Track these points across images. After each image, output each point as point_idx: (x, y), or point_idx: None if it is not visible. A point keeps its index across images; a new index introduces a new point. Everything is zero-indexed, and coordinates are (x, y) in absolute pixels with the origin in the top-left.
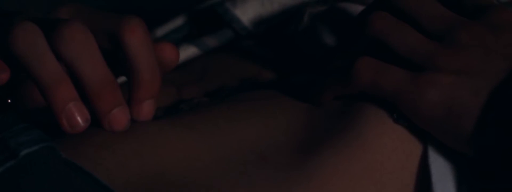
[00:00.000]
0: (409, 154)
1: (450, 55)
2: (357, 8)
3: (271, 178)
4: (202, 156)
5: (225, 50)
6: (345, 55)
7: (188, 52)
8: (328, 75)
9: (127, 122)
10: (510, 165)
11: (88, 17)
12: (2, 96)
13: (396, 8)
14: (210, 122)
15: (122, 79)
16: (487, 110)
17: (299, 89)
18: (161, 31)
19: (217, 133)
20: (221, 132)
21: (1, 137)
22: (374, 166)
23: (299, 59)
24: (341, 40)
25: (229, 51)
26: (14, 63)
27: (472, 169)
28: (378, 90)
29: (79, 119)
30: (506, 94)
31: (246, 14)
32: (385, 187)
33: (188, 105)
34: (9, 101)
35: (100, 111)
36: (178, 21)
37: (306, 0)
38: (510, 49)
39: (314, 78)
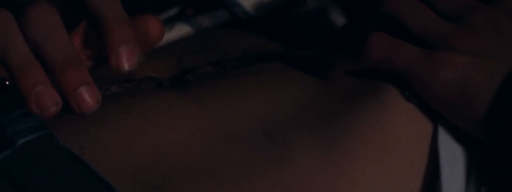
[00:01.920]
0: (420, 135)
1: (465, 36)
2: None
3: (277, 160)
4: (206, 135)
5: (224, 26)
6: (357, 31)
7: (182, 31)
8: (339, 49)
9: (96, 102)
10: None
11: None
12: (1, 78)
13: None
14: (216, 97)
15: None
16: (500, 93)
17: (308, 63)
18: (162, 17)
19: (223, 108)
20: (228, 107)
21: None
22: (384, 148)
23: (301, 42)
24: (353, 18)
25: (229, 26)
26: None
27: (482, 153)
28: (391, 66)
29: (47, 102)
30: None
31: None
32: (394, 169)
33: (194, 76)
34: (7, 83)
35: (65, 89)
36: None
37: None
38: None
39: (324, 52)
